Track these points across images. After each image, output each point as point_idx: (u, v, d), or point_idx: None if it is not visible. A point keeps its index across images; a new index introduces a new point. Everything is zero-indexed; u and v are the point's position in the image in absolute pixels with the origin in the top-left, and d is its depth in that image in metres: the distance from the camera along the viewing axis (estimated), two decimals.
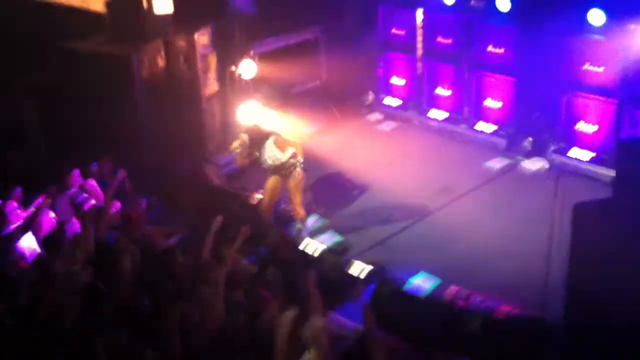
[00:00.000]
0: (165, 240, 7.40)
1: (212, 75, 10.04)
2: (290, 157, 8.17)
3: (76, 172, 8.16)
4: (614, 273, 5.54)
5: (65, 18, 9.74)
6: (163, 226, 7.90)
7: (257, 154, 8.21)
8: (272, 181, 8.32)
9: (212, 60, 9.99)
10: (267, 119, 9.10)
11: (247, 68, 9.91)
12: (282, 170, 8.21)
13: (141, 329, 5.63)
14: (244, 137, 8.25)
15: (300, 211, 8.39)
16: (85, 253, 6.54)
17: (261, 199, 8.55)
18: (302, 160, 8.26)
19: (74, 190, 8.00)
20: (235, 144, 8.34)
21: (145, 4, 9.79)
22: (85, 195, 7.95)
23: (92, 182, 8.19)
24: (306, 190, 8.73)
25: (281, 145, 8.15)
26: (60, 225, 7.31)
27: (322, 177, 9.53)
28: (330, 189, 9.40)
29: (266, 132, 8.32)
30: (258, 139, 8.20)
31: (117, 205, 7.66)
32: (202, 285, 5.92)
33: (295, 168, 8.20)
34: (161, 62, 9.62)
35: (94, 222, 7.01)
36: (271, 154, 8.14)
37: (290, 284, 6.48)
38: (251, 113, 9.58)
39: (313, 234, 8.53)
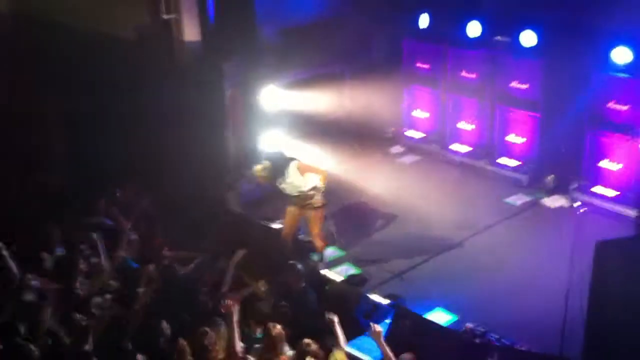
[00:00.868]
0: (185, 266, 7.47)
1: (238, 104, 10.16)
2: (312, 188, 8.11)
3: (101, 201, 8.27)
4: (635, 314, 5.47)
5: (96, 45, 9.93)
6: (184, 251, 7.97)
7: (280, 180, 8.17)
8: (291, 210, 8.29)
9: (238, 89, 10.11)
10: (289, 149, 9.16)
11: (272, 98, 10.01)
12: (302, 199, 8.15)
13: (158, 356, 5.69)
14: (267, 162, 8.29)
15: (319, 242, 8.37)
16: (103, 279, 6.64)
17: (281, 228, 8.55)
18: (323, 190, 8.18)
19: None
20: (259, 167, 8.35)
21: (175, 31, 9.98)
22: (109, 222, 8.06)
23: (115, 210, 8.27)
24: (328, 219, 8.71)
25: (304, 171, 8.07)
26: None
27: (346, 205, 9.52)
28: (354, 218, 9.38)
29: (289, 158, 8.31)
30: (280, 164, 8.18)
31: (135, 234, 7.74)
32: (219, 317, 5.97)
33: (314, 198, 8.14)
34: (189, 90, 9.75)
35: (114, 249, 7.11)
36: (292, 181, 8.09)
37: (302, 316, 6.49)
38: (274, 142, 9.68)
39: (330, 265, 8.54)
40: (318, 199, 8.14)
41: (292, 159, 8.22)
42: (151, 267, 6.86)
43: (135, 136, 9.32)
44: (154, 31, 10.12)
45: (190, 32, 10.00)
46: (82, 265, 6.84)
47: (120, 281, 6.93)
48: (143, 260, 7.34)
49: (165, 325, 5.99)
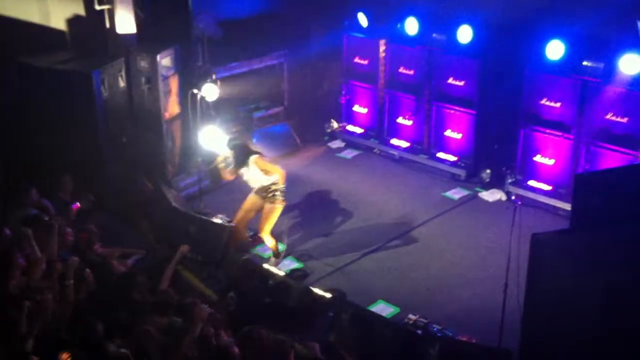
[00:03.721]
0: (122, 262, 7.26)
1: (174, 97, 9.97)
2: (272, 183, 8.12)
3: (33, 191, 7.94)
4: (569, 304, 5.61)
5: (25, 34, 9.57)
6: (119, 247, 7.75)
7: (241, 171, 8.17)
8: (252, 198, 8.30)
9: (174, 82, 9.92)
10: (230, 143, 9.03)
11: (210, 91, 9.86)
12: (264, 192, 8.18)
13: (91, 354, 5.49)
14: (229, 152, 8.20)
15: (268, 239, 8.32)
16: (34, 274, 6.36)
17: (235, 215, 8.45)
18: (283, 189, 8.18)
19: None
20: (220, 158, 8.28)
21: (107, 23, 9.72)
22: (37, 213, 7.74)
23: (46, 201, 7.97)
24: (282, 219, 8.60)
25: (261, 167, 8.10)
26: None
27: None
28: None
29: (251, 151, 8.26)
30: (242, 155, 8.15)
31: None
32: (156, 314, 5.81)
33: (275, 195, 8.14)
34: (122, 82, 9.52)
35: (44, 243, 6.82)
36: (253, 175, 8.12)
37: (249, 311, 6.41)
38: (213, 136, 9.51)
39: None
40: (279, 196, 8.13)
41: (252, 152, 8.19)
42: (75, 260, 6.59)
43: (66, 129, 9.00)
44: (87, 22, 9.82)
45: (124, 23, 9.74)
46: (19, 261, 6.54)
47: (54, 277, 6.66)
48: (76, 255, 7.09)
49: (99, 323, 5.79)
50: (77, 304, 6.17)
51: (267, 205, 8.19)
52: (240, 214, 8.38)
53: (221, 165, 8.29)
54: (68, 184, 8.30)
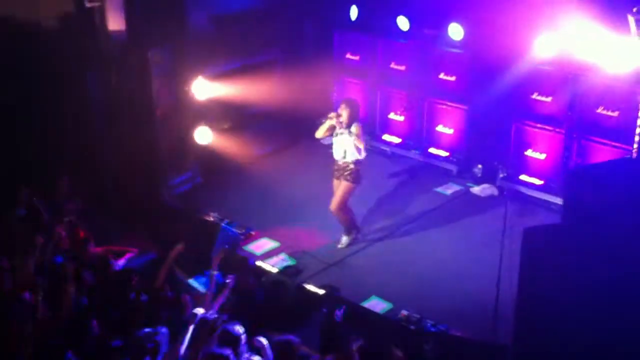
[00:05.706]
0: (116, 260, 7.25)
1: (166, 94, 9.94)
2: (351, 162, 8.32)
3: (26, 192, 7.92)
4: (561, 298, 5.64)
5: (14, 33, 9.51)
6: (114, 245, 7.75)
7: (340, 132, 8.27)
8: (335, 184, 8.58)
9: (167, 79, 9.89)
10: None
11: (202, 88, 9.85)
12: (341, 171, 8.43)
13: (88, 354, 5.50)
14: (343, 109, 8.26)
15: (339, 214, 8.54)
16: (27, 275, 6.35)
17: (332, 202, 8.59)
18: (358, 169, 8.40)
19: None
20: (332, 115, 8.34)
21: (98, 20, 9.67)
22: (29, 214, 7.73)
23: (39, 201, 7.94)
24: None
25: (358, 138, 8.21)
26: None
27: None
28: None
29: (356, 115, 8.33)
30: (354, 115, 8.28)
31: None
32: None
33: (351, 174, 8.35)
34: (115, 81, 9.48)
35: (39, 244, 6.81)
36: (344, 142, 8.27)
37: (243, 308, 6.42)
38: (206, 133, 9.54)
39: (265, 257, 8.49)
40: (354, 175, 8.36)
41: (355, 119, 8.27)
42: (71, 265, 6.58)
43: (59, 129, 8.97)
44: (78, 20, 9.77)
45: (115, 20, 9.69)
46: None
47: (47, 278, 6.65)
48: (70, 255, 7.08)
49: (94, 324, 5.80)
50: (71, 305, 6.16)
51: (343, 183, 8.42)
52: (334, 202, 8.57)
53: (330, 121, 8.32)
54: (64, 186, 8.27)
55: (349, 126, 8.25)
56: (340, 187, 8.48)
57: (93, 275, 6.52)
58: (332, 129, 8.39)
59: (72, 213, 7.81)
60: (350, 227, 8.73)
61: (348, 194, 8.49)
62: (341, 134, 8.30)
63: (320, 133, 8.56)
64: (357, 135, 8.20)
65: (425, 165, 10.84)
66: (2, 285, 6.26)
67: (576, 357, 5.51)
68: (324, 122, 8.45)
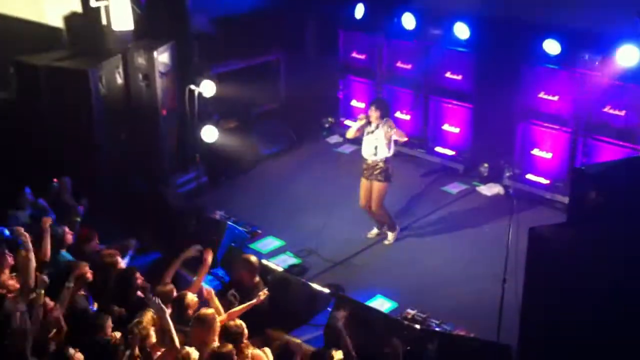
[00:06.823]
0: (116, 257, 7.23)
1: (171, 94, 9.95)
2: (380, 161, 8.33)
3: (27, 191, 7.92)
4: (567, 297, 5.62)
5: (21, 32, 9.54)
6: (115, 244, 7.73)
7: (371, 130, 8.28)
8: (363, 183, 8.56)
9: (171, 78, 9.90)
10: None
11: (206, 88, 9.86)
12: (370, 170, 8.41)
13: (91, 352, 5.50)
14: (373, 109, 8.27)
15: (381, 214, 8.59)
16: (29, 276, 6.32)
17: (368, 202, 8.63)
18: (388, 168, 8.40)
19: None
20: (362, 116, 8.39)
21: (104, 20, 9.69)
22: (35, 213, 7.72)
23: (42, 202, 7.94)
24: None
25: (390, 133, 8.21)
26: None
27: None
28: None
29: (386, 113, 8.35)
30: (385, 111, 8.31)
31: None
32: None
33: (382, 173, 8.35)
34: (119, 79, 9.51)
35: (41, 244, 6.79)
36: (376, 138, 8.25)
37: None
38: (211, 133, 9.54)
39: (270, 256, 8.48)
40: (385, 174, 8.37)
41: (387, 114, 8.33)
42: (83, 265, 6.57)
43: (64, 128, 8.99)
44: (84, 19, 9.79)
45: (121, 19, 9.71)
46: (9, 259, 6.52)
47: (52, 275, 6.65)
48: (76, 253, 7.09)
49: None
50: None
51: (375, 184, 8.43)
52: (362, 201, 8.64)
53: (360, 122, 8.36)
54: (67, 185, 8.28)
55: (382, 119, 8.27)
56: (374, 188, 8.49)
57: (97, 274, 6.50)
58: (361, 129, 8.42)
59: (77, 212, 7.80)
60: (392, 222, 8.79)
61: (384, 193, 8.53)
62: (371, 132, 8.33)
63: (351, 133, 8.61)
64: (392, 127, 8.23)
65: (431, 165, 10.81)
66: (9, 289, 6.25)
67: (582, 356, 5.48)
68: (355, 122, 8.50)
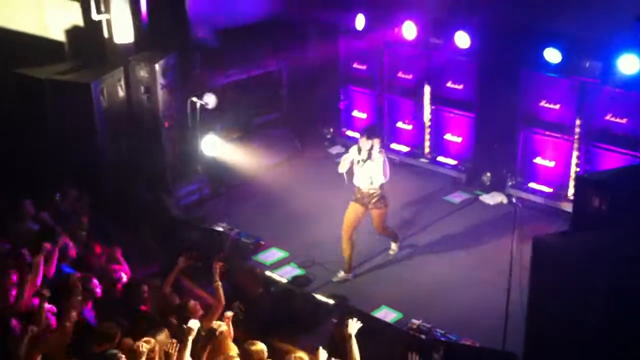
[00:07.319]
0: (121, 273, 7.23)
1: (173, 105, 9.97)
2: (377, 188, 8.06)
3: (28, 202, 7.91)
4: (572, 305, 5.61)
5: (23, 45, 9.59)
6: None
7: (360, 161, 7.99)
8: (353, 207, 8.21)
9: (173, 90, 9.92)
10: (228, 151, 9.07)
11: (208, 99, 9.87)
12: (367, 198, 8.12)
13: None
14: (363, 141, 7.94)
15: (388, 233, 8.52)
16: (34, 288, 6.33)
17: (342, 228, 8.34)
18: (384, 194, 8.14)
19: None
20: (354, 147, 8.11)
21: (106, 33, 9.74)
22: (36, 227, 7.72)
23: (45, 214, 7.93)
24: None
25: (380, 162, 7.95)
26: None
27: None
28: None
29: (376, 137, 8.04)
30: (373, 143, 7.95)
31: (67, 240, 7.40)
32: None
33: (380, 200, 8.12)
34: (121, 92, 9.53)
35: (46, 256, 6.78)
36: (370, 169, 7.96)
37: (255, 320, 6.38)
38: (213, 144, 9.55)
39: (274, 267, 8.47)
40: (383, 200, 8.14)
41: (377, 141, 7.99)
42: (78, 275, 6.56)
43: (66, 140, 9.01)
44: (85, 33, 9.84)
45: (122, 32, 9.76)
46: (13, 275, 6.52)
47: (54, 290, 6.63)
48: (82, 267, 7.08)
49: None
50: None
51: (375, 212, 8.19)
52: (346, 227, 8.24)
53: (349, 155, 8.07)
54: (72, 195, 8.28)
55: (370, 153, 7.99)
56: (374, 216, 8.23)
57: (101, 286, 6.50)
58: (352, 160, 8.11)
59: (82, 225, 7.79)
60: (396, 235, 8.75)
61: (386, 217, 8.37)
62: (363, 160, 8.01)
63: (343, 168, 8.13)
64: (382, 158, 7.98)
65: (433, 174, 10.80)
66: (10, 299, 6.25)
67: None
68: (344, 158, 8.15)
